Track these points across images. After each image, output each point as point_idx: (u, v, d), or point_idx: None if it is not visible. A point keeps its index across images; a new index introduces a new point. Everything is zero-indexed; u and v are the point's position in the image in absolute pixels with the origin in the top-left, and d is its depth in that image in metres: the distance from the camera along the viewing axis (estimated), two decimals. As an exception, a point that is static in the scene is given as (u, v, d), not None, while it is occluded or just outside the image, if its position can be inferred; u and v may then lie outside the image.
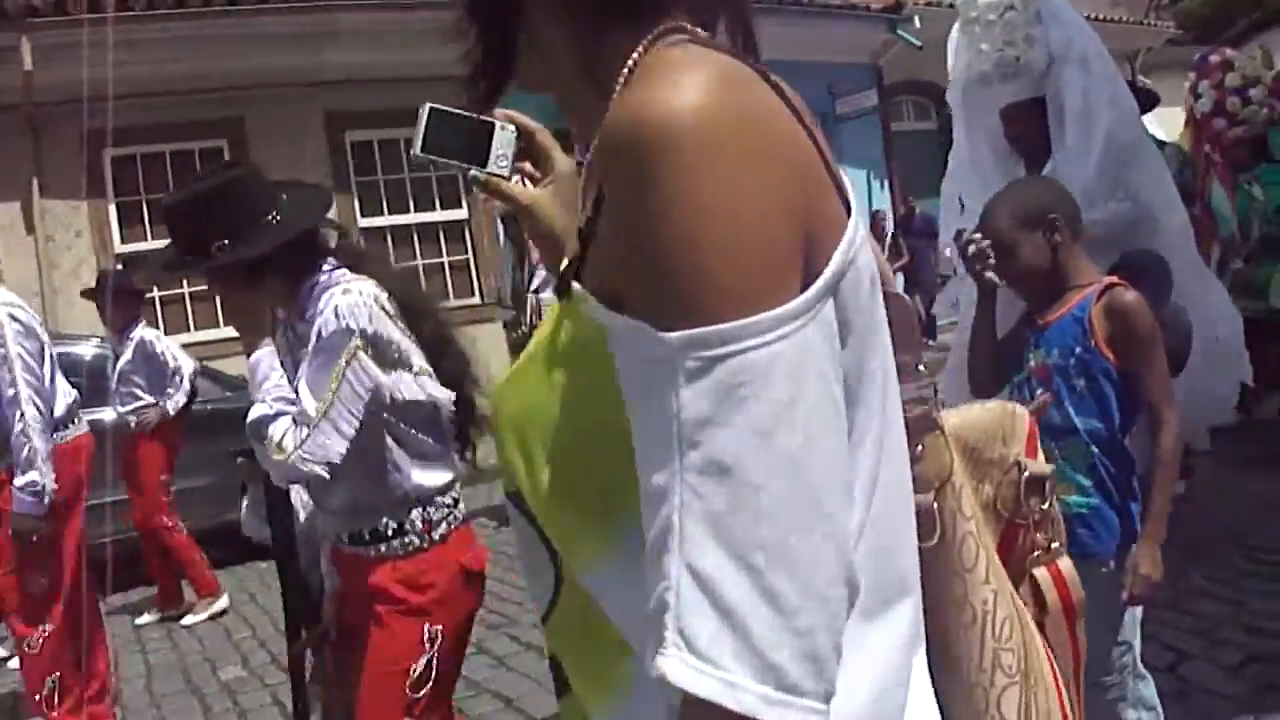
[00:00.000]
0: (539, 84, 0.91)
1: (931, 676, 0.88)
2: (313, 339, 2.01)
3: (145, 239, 9.29)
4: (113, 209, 9.27)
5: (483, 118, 1.14)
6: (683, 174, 0.67)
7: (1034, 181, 3.11)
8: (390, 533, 2.08)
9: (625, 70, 0.78)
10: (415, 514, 2.08)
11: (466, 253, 10.72)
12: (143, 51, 8.83)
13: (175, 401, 5.69)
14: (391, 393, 2.03)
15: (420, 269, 10.08)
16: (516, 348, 6.69)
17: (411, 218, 10.52)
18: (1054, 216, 2.33)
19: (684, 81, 0.69)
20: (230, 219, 2.01)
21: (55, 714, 3.70)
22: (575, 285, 0.80)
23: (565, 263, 0.88)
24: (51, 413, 3.72)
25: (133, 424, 5.57)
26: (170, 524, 5.61)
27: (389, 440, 2.07)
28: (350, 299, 2.01)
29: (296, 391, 2.01)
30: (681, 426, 0.66)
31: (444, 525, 2.11)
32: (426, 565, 2.07)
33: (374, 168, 10.33)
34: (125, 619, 5.71)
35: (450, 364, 2.17)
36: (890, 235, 12.22)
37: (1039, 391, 2.24)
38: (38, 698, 3.69)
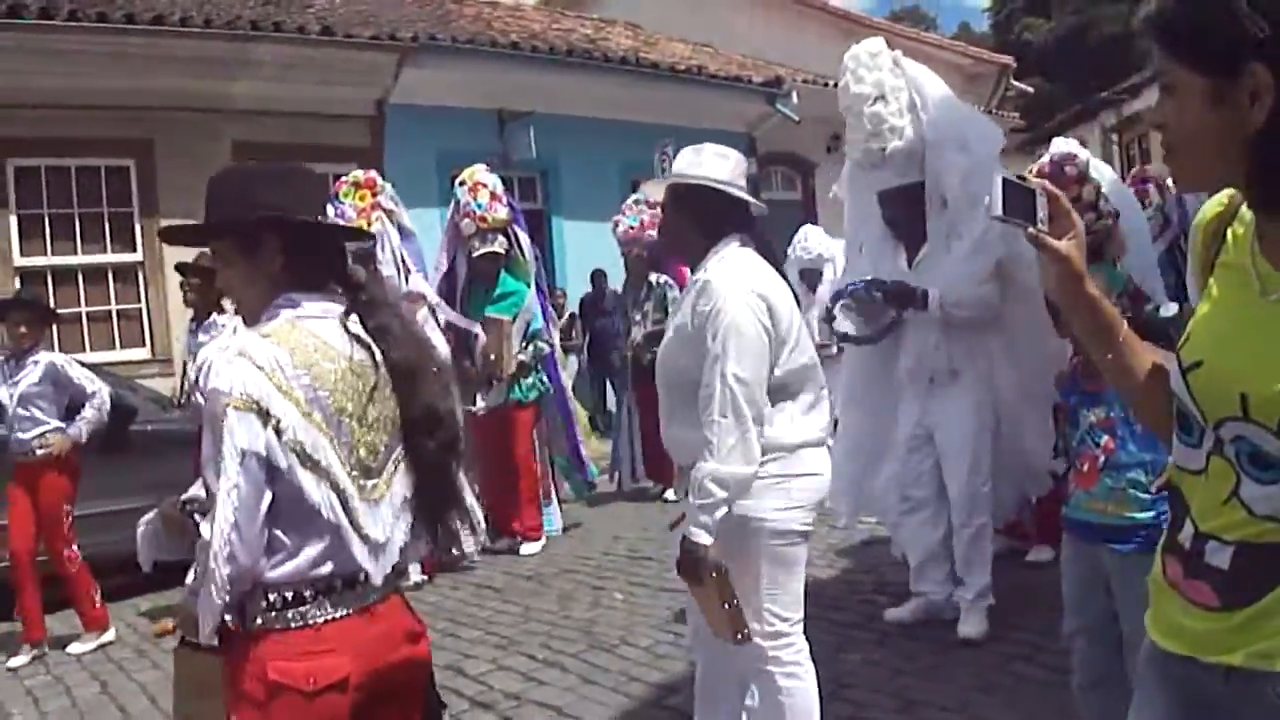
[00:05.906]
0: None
1: None
2: None
3: (45, 254, 8.98)
4: (14, 220, 8.86)
5: (1028, 185, 1.40)
6: None
7: None
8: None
9: None
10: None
11: (139, 300, 9.48)
12: (59, 63, 8.58)
13: (89, 426, 5.31)
14: None
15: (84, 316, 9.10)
16: None
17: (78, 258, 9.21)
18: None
19: None
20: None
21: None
22: None
23: None
24: None
25: (38, 451, 5.18)
26: (71, 554, 5.29)
27: None
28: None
29: None
30: None
31: (259, 619, 1.81)
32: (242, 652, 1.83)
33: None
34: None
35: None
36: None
37: (1103, 439, 2.78)
38: None
